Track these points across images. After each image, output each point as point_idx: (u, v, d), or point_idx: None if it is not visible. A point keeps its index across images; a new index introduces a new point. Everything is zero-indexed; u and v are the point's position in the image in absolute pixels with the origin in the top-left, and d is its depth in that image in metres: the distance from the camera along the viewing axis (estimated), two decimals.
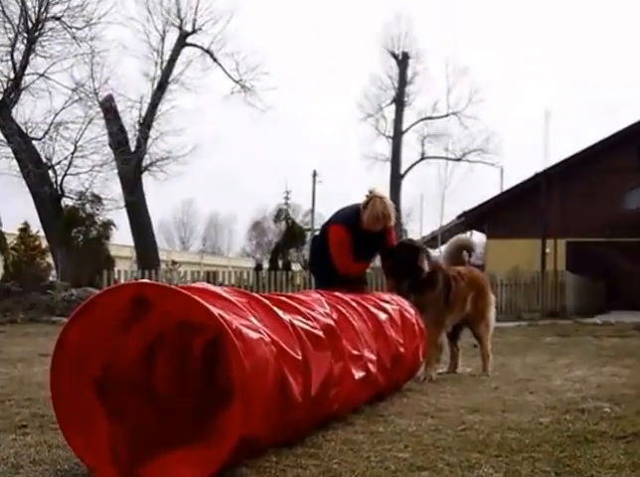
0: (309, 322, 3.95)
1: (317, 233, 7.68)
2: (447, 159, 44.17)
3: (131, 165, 24.91)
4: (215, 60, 29.40)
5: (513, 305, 21.44)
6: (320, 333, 3.97)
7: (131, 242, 27.77)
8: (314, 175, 53.57)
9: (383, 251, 7.06)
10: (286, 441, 3.79)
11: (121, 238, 33.29)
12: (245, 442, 3.10)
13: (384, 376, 5.12)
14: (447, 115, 45.19)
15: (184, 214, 72.95)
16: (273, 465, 3.44)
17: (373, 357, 4.84)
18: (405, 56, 44.53)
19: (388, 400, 5.42)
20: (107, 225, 22.63)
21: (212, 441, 3.06)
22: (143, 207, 26.43)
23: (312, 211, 52.55)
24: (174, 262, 22.26)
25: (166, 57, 28.29)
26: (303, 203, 46.91)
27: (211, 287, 3.53)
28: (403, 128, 45.12)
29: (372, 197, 6.68)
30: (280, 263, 23.71)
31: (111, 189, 25.11)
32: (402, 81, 44.64)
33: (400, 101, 44.70)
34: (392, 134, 44.85)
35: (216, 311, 3.04)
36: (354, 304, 5.04)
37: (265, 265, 24.83)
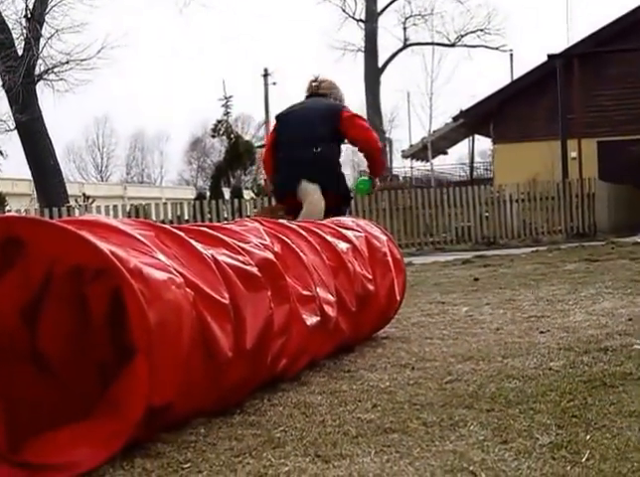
0: (239, 257, 3.99)
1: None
2: (438, 45, 44.10)
3: (20, 73, 24.55)
4: None
5: (528, 226, 21.67)
6: (254, 270, 4.01)
7: (29, 175, 27.56)
8: (265, 74, 53.28)
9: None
10: (219, 410, 3.86)
11: (15, 171, 33.00)
12: (157, 412, 3.16)
13: (348, 321, 5.20)
14: None
15: (98, 135, 72.48)
16: (200, 439, 3.52)
17: (330, 297, 4.91)
18: None
19: (357, 352, 5.51)
20: None
21: (113, 413, 3.12)
22: (40, 128, 26.12)
23: (266, 122, 52.38)
24: (86, 197, 22.07)
25: None
26: (254, 113, 46.75)
27: (103, 219, 3.56)
28: (379, 8, 44.82)
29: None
30: (228, 191, 23.68)
31: None
32: None
33: None
34: (364, 17, 44.55)
35: (105, 247, 3.07)
36: (303, 233, 5.09)
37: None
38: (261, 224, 4.91)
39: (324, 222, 5.98)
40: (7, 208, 21.38)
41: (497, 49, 44.45)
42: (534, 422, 3.59)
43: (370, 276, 5.61)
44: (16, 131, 25.54)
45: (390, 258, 6.03)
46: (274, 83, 52.80)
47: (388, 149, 44.63)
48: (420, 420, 3.70)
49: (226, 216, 19.93)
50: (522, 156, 27.88)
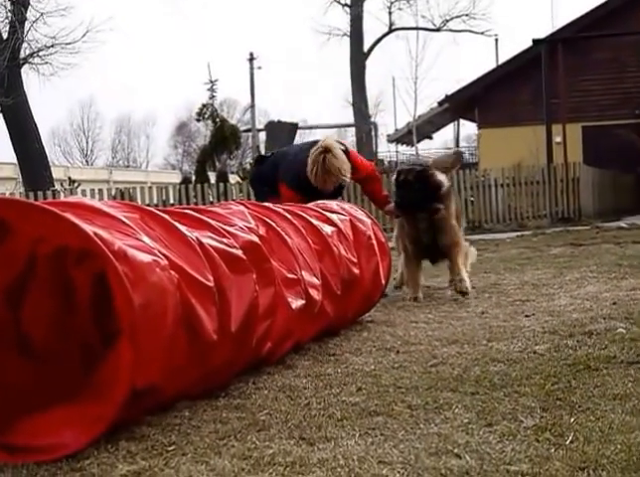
0: (224, 239, 3.97)
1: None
2: (423, 29, 43.95)
3: (5, 57, 24.42)
4: None
5: (513, 211, 21.65)
6: (239, 253, 4.00)
7: (13, 159, 27.45)
8: (251, 59, 53.09)
9: (377, 202, 8.12)
10: (204, 392, 3.86)
11: (0, 154, 32.85)
12: (141, 394, 3.15)
13: (333, 304, 5.19)
14: None
15: (83, 119, 72.22)
16: (185, 422, 3.52)
17: (315, 281, 4.90)
18: None
19: (342, 336, 5.52)
20: None
21: (97, 396, 3.11)
22: (25, 111, 25.97)
23: (252, 106, 52.23)
24: (72, 181, 21.94)
25: None
26: (241, 97, 46.64)
27: (87, 201, 3.53)
28: None
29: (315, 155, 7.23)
30: (213, 175, 23.61)
31: None
32: None
33: None
34: (349, 1, 44.38)
35: (89, 229, 3.05)
36: (289, 216, 5.07)
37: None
38: (246, 207, 4.89)
39: (309, 205, 5.96)
40: None
41: (482, 33, 44.30)
42: (518, 405, 3.60)
43: (355, 260, 5.60)
44: (1, 115, 25.42)
45: (374, 242, 6.03)
46: (260, 68, 52.64)
47: (373, 133, 44.57)
48: (405, 403, 3.71)
49: (211, 199, 19.85)
50: (507, 141, 27.83)
